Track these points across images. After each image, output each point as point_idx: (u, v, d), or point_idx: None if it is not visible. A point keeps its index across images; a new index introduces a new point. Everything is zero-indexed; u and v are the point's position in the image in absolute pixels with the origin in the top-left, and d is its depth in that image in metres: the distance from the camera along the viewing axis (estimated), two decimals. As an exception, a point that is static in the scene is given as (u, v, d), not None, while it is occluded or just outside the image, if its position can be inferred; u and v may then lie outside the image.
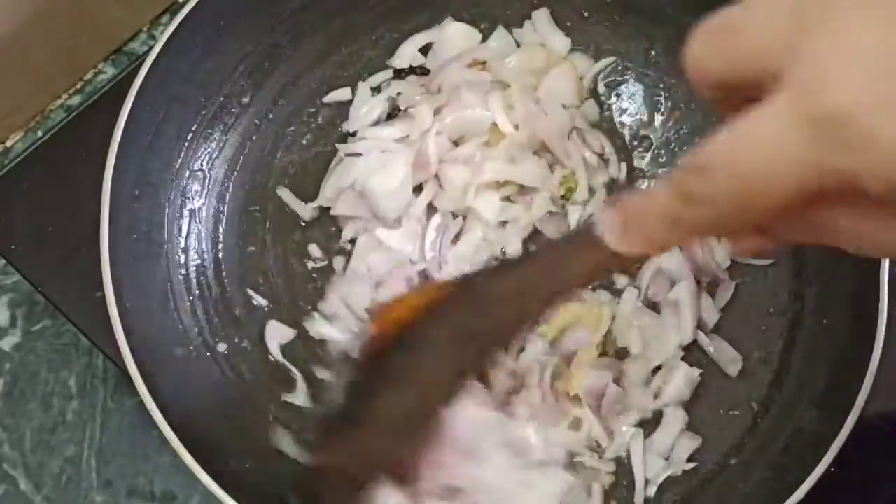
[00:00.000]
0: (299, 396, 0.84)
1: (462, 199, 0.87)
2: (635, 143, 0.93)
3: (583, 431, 0.82)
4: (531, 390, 0.82)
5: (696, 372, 0.84)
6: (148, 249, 0.83)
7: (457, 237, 0.89)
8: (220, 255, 0.89)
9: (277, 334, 0.87)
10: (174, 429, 0.70)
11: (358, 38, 0.96)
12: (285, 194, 0.91)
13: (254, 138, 0.93)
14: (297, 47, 0.94)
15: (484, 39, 0.95)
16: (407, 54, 0.95)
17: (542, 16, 0.95)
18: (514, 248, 0.88)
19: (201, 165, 0.90)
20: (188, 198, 0.88)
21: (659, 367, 0.85)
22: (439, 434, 0.69)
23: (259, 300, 0.88)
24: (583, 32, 0.95)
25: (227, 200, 0.91)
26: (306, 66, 0.95)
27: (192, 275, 0.87)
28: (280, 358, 0.86)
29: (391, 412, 0.60)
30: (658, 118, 0.93)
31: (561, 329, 0.85)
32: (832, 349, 0.80)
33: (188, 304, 0.86)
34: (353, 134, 0.93)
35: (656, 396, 0.84)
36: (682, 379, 0.84)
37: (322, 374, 0.84)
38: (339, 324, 0.86)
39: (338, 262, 0.89)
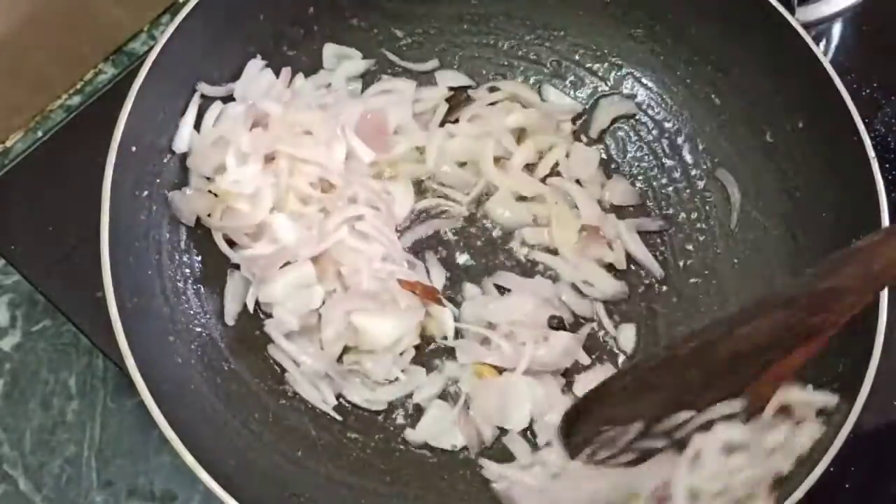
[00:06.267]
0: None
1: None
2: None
3: None
4: None
5: None
6: (147, 250, 0.82)
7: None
8: (220, 254, 0.89)
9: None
10: (174, 429, 0.70)
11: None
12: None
13: (254, 138, 0.93)
14: (297, 49, 0.94)
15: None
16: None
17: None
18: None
19: (201, 165, 0.90)
20: (188, 198, 0.88)
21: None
22: None
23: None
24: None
25: (226, 200, 0.91)
26: (307, 68, 0.95)
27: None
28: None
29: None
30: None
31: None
32: (832, 350, 0.80)
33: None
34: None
35: None
36: None
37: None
38: None
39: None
